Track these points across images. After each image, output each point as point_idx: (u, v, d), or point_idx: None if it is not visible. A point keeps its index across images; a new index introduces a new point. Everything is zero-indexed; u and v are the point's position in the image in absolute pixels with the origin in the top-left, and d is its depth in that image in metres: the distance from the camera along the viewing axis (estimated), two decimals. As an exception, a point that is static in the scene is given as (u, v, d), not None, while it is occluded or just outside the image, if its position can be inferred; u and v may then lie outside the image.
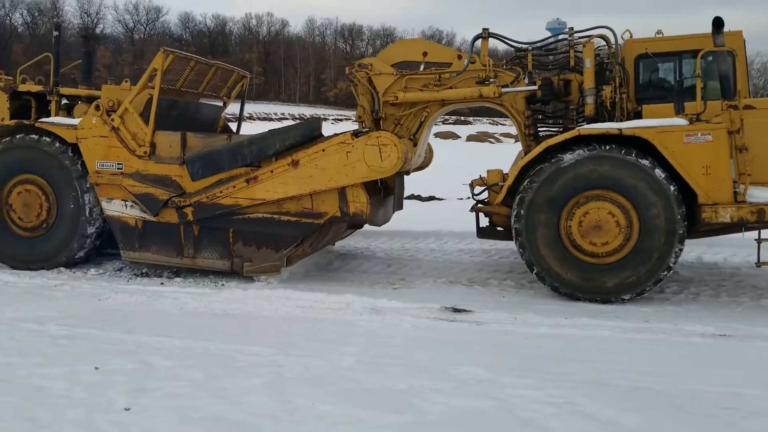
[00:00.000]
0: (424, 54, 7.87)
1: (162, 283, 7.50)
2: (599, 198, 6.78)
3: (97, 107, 7.82)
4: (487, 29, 7.70)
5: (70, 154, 8.00)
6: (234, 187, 7.38)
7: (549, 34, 7.96)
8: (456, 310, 6.46)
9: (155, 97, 7.68)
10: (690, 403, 4.21)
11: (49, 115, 8.82)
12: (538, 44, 7.83)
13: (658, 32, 7.74)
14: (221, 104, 9.58)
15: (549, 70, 7.81)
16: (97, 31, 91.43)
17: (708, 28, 6.78)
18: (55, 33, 9.74)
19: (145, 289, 7.11)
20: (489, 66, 7.58)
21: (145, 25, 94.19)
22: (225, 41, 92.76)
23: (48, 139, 8.04)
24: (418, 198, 13.42)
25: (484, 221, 7.76)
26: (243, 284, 7.47)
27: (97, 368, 4.65)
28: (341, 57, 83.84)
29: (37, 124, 8.13)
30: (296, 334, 5.58)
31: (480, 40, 7.70)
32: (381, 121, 7.74)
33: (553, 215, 6.87)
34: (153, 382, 4.44)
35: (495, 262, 8.81)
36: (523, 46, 7.78)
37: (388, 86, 7.73)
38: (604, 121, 7.10)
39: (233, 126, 10.11)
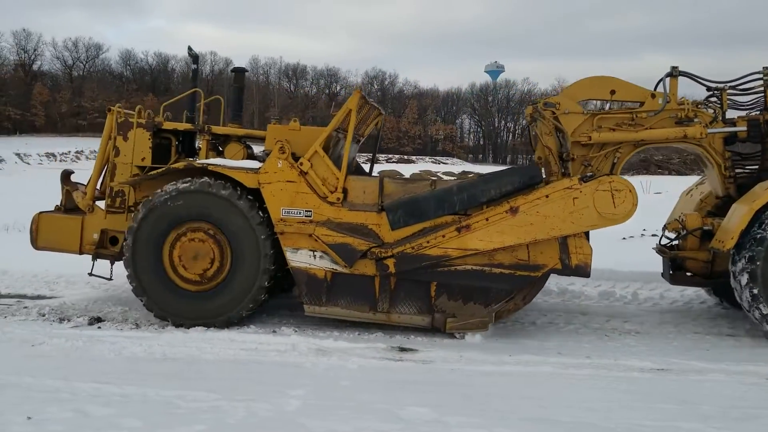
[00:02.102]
0: (612, 92, 7.38)
1: (99, 327, 7.24)
2: None
3: (282, 149, 7.10)
4: (676, 67, 7.33)
5: (248, 200, 7.13)
6: (443, 236, 6.82)
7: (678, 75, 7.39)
8: (402, 350, 6.45)
9: (348, 139, 7.20)
10: (631, 437, 4.30)
11: (192, 156, 8.32)
12: (733, 83, 7.54)
13: None
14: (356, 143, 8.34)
15: (743, 110, 7.62)
16: (35, 68, 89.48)
17: None
18: (193, 66, 9.03)
19: (81, 333, 6.86)
20: (688, 105, 7.30)
21: (84, 63, 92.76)
22: (167, 79, 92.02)
23: (222, 183, 7.14)
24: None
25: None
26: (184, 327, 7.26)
27: (29, 418, 4.44)
28: (285, 96, 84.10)
29: (210, 167, 7.18)
30: (241, 378, 5.47)
31: (669, 78, 7.30)
32: (569, 163, 7.22)
33: None
34: (90, 431, 4.27)
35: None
36: (718, 85, 7.52)
37: (576, 126, 7.30)
38: None
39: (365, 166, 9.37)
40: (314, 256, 7.04)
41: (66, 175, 8.42)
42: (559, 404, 4.96)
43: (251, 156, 8.14)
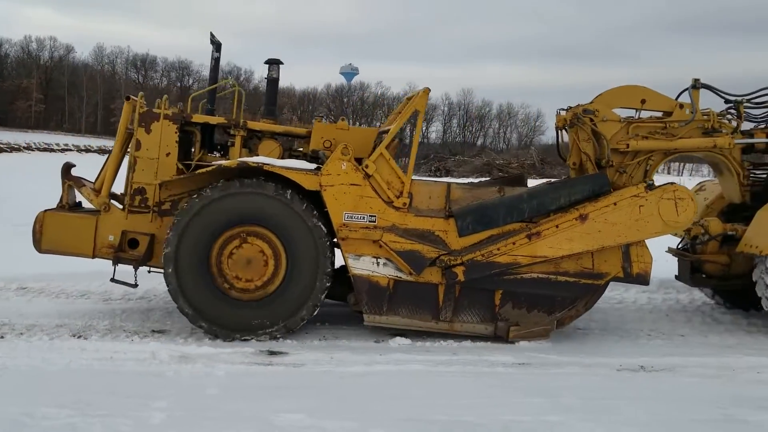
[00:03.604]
0: (643, 101, 7.55)
1: None
2: None
3: (345, 150, 6.61)
4: (698, 79, 7.60)
5: (306, 203, 6.61)
6: (513, 243, 6.68)
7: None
8: (271, 353, 6.24)
9: (415, 142, 6.90)
10: (505, 432, 4.41)
11: (219, 152, 7.67)
12: (749, 96, 7.83)
13: None
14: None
15: (754, 122, 8.00)
16: None
17: None
18: (216, 55, 8.08)
19: None
20: (713, 117, 7.58)
21: None
22: (0, 65, 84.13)
23: (274, 185, 6.57)
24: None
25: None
26: (27, 335, 6.59)
27: None
28: (133, 87, 79.67)
29: (265, 168, 6.56)
30: (95, 391, 4.99)
31: (692, 90, 7.55)
32: (606, 170, 7.29)
33: None
34: None
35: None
36: (736, 98, 7.79)
37: (613, 133, 7.39)
38: None
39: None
40: (377, 264, 6.73)
41: (67, 169, 7.42)
42: (434, 403, 4.99)
43: (289, 154, 7.67)
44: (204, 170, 6.78)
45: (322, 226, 6.63)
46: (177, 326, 7.05)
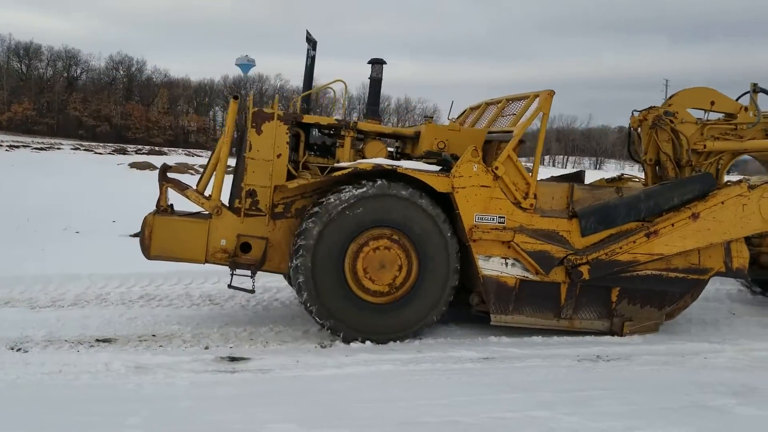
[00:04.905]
0: (712, 103, 7.97)
1: None
2: None
3: (475, 152, 6.69)
4: (756, 84, 8.14)
5: (436, 205, 6.60)
6: (634, 242, 6.98)
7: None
8: (233, 359, 5.95)
9: (540, 143, 7.04)
10: None
11: (315, 153, 7.57)
12: None
13: None
14: None
15: None
16: None
17: None
18: (312, 53, 7.70)
19: None
20: None
21: None
22: None
23: (404, 186, 6.56)
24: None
25: None
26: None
27: None
28: (16, 77, 74.53)
29: (400, 170, 6.54)
30: (52, 410, 4.57)
31: (754, 94, 8.08)
32: (686, 169, 7.72)
33: None
34: None
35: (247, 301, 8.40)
36: None
37: (690, 134, 7.80)
38: None
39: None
40: (506, 264, 6.86)
41: (164, 171, 7.14)
42: (416, 404, 4.91)
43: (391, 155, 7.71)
44: (342, 172, 6.66)
45: (451, 228, 6.73)
46: (123, 334, 6.60)
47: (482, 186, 6.74)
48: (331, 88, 7.87)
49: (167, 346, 6.32)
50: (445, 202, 6.78)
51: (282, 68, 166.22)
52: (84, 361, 5.62)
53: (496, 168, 6.77)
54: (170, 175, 7.22)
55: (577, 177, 8.24)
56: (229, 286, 6.89)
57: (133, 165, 41.43)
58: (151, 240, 6.78)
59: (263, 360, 5.95)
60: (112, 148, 53.55)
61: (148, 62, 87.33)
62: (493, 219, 6.78)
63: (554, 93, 7.01)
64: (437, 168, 6.86)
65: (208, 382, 5.32)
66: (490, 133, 7.52)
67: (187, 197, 7.08)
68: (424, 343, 6.72)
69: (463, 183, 6.70)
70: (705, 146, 7.93)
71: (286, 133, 7.01)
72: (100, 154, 48.37)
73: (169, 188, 7.09)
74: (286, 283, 9.22)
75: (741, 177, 10.08)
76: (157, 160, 51.40)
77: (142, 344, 6.32)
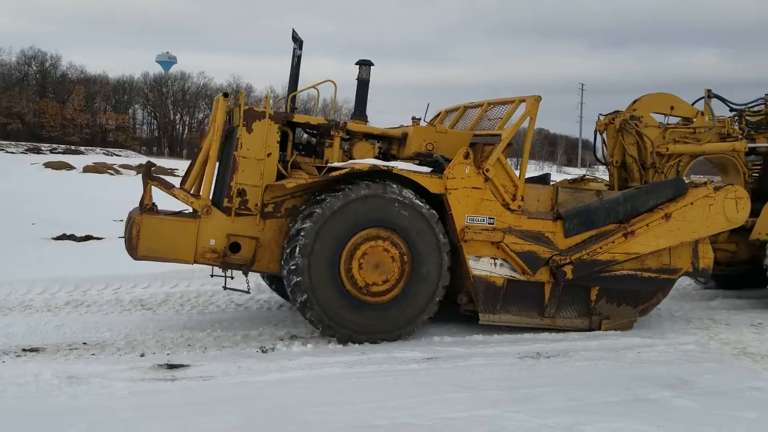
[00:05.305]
0: (672, 108, 8.66)
1: None
2: None
3: (467, 155, 6.86)
4: (710, 90, 8.95)
5: (429, 206, 6.72)
6: (613, 242, 7.30)
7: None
8: (171, 367, 5.72)
9: (527, 147, 7.46)
10: None
11: (312, 153, 7.56)
12: (749, 105, 9.43)
13: None
14: None
15: (753, 130, 9.47)
16: None
17: None
18: (299, 52, 7.61)
19: None
20: (727, 123, 8.96)
21: None
22: None
23: (398, 187, 6.65)
24: (72, 238, 11.71)
25: None
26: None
27: None
28: None
29: (395, 171, 6.67)
30: (-19, 426, 4.29)
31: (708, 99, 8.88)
32: (650, 171, 8.36)
33: None
34: None
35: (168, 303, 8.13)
36: (741, 107, 9.44)
37: (653, 138, 8.41)
38: None
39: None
40: (495, 264, 7.04)
41: (149, 169, 6.98)
42: (366, 406, 4.85)
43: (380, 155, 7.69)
44: (339, 172, 6.63)
45: (443, 229, 6.82)
46: (51, 342, 6.27)
47: (474, 188, 6.91)
48: (316, 88, 7.85)
49: (100, 354, 6.04)
50: (436, 203, 6.89)
51: (205, 66, 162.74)
52: (10, 373, 5.27)
53: (487, 170, 6.96)
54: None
55: (544, 179, 8.51)
56: (225, 287, 7.03)
57: (48, 165, 39.73)
58: (139, 240, 6.55)
59: (204, 366, 5.75)
60: (25, 147, 50.98)
61: (63, 58, 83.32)
62: (484, 220, 6.95)
63: (541, 99, 7.27)
64: (429, 169, 6.97)
65: (148, 391, 5.10)
66: (475, 135, 7.68)
67: (175, 196, 6.93)
68: (368, 345, 6.66)
69: (455, 184, 6.86)
70: (668, 149, 8.49)
71: (277, 133, 6.97)
72: (12, 153, 46.06)
73: (153, 186, 6.90)
74: (220, 287, 9.02)
75: (698, 177, 10.73)
76: (74, 160, 49.46)
77: (73, 353, 6.03)
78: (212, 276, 7.34)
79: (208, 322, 7.41)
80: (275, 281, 8.17)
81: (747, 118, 9.85)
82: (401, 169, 6.74)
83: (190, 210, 6.91)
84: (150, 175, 6.93)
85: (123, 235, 6.89)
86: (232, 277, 7.15)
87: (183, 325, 7.22)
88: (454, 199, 6.85)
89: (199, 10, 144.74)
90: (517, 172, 7.31)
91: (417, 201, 6.70)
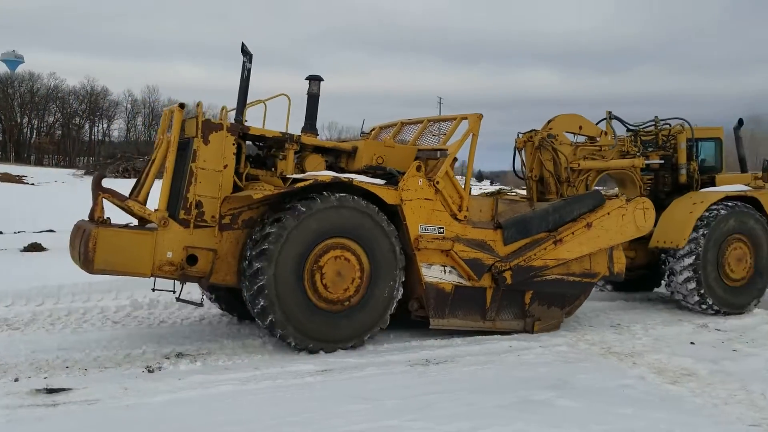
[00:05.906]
0: (580, 127, 9.51)
1: None
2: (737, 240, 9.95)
3: (419, 167, 7.32)
4: (610, 112, 10.08)
5: (385, 216, 7.08)
6: (545, 249, 7.92)
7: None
8: (51, 391, 5.35)
9: (471, 161, 7.94)
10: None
11: (262, 165, 7.57)
12: (642, 126, 10.64)
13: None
14: None
15: (645, 148, 10.57)
16: None
17: None
18: (248, 66, 7.33)
19: None
20: (627, 142, 10.00)
21: None
22: None
23: (358, 199, 6.97)
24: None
25: None
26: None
27: None
28: None
29: (355, 183, 7.00)
30: None
31: (609, 120, 9.95)
32: (564, 185, 9.20)
33: None
34: None
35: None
36: (636, 128, 10.61)
37: (566, 155, 9.24)
38: (692, 188, 10.33)
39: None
40: (445, 271, 7.46)
41: (99, 180, 6.77)
42: (268, 423, 4.80)
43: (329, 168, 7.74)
44: (303, 184, 6.79)
45: (398, 236, 7.17)
46: None
47: (426, 199, 7.38)
48: (263, 102, 7.67)
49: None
50: (389, 213, 7.22)
51: (56, 66, 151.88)
52: None
53: (437, 182, 7.42)
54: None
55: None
56: (178, 299, 7.03)
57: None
58: (95, 253, 6.33)
59: (87, 389, 5.43)
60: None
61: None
62: (435, 229, 7.41)
63: (482, 116, 7.81)
64: (382, 182, 7.33)
65: (28, 419, 4.75)
66: (419, 150, 8.09)
67: (129, 208, 6.83)
68: (260, 360, 6.58)
69: (410, 196, 7.29)
70: (579, 165, 9.36)
71: (233, 144, 7.02)
72: None
73: (104, 199, 6.69)
74: (94, 303, 8.56)
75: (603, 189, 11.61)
76: None
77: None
78: (153, 290, 7.22)
79: (84, 341, 6.98)
80: (216, 291, 8.02)
81: (641, 137, 10.93)
82: (360, 181, 7.08)
83: (136, 222, 6.92)
84: (100, 186, 6.73)
85: (72, 247, 6.70)
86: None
87: (57, 345, 6.75)
88: (408, 209, 7.27)
89: (51, 5, 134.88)
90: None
91: (378, 212, 7.06)
